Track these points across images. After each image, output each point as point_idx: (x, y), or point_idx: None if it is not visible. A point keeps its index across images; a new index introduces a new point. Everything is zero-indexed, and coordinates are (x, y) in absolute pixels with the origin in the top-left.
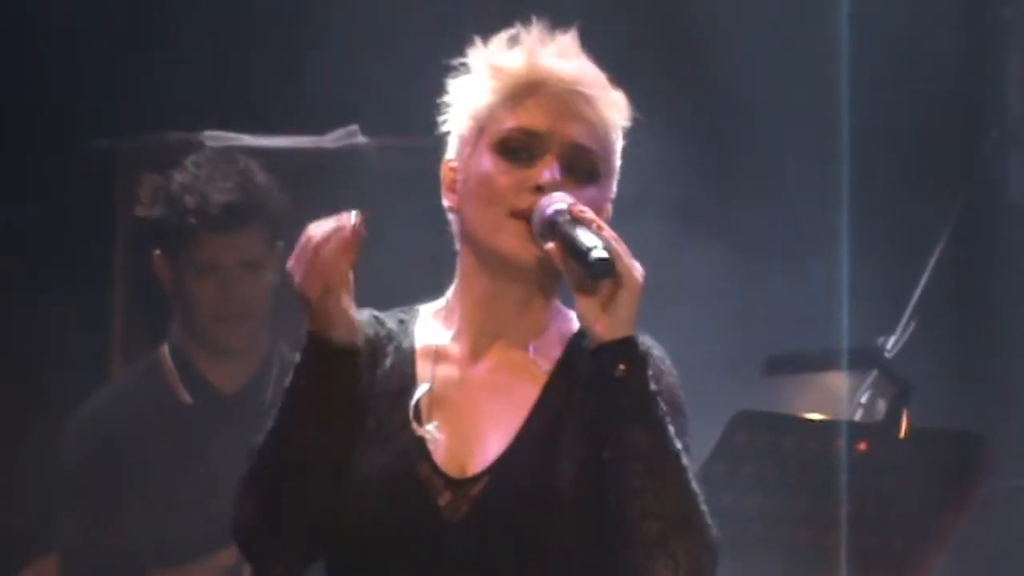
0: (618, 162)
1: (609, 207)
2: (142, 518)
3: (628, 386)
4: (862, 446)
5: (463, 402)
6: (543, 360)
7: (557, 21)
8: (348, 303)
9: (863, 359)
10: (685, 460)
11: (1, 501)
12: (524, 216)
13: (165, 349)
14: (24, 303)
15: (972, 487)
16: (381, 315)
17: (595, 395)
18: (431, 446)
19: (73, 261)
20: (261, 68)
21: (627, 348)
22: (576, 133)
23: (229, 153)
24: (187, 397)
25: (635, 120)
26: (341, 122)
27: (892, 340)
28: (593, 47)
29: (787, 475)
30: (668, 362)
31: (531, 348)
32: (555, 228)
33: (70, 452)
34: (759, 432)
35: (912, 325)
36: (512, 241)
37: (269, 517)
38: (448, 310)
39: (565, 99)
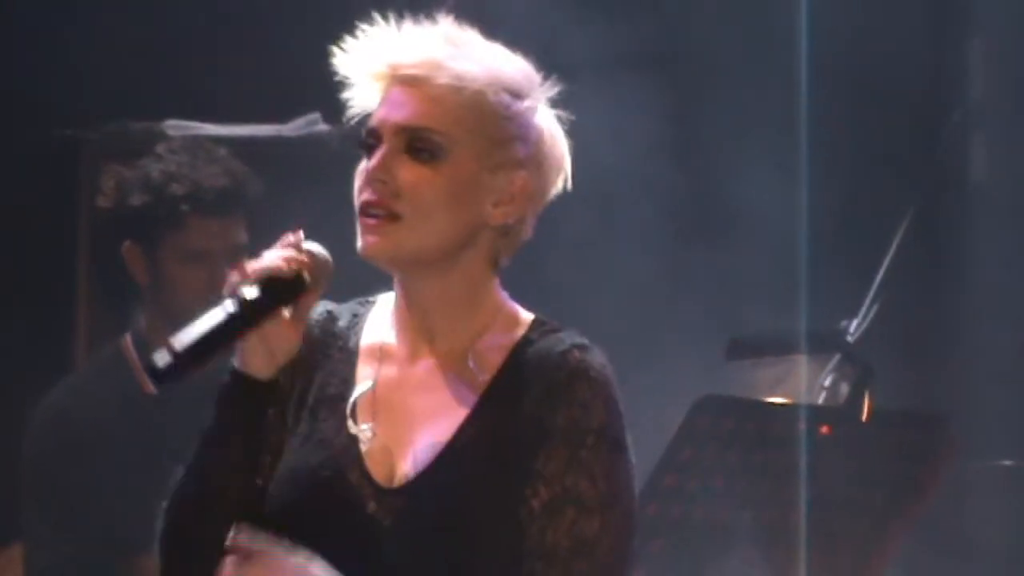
0: (495, 126)
1: (484, 175)
2: (107, 507)
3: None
4: (825, 429)
5: (399, 404)
6: (481, 369)
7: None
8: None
9: (825, 342)
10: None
11: None
12: (364, 211)
13: (128, 339)
14: None
15: (935, 468)
16: (336, 309)
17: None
18: (363, 447)
19: (35, 252)
20: (222, 56)
21: None
22: (403, 116)
23: (200, 141)
24: (151, 386)
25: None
26: (302, 110)
27: (854, 323)
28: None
29: (751, 458)
30: (597, 377)
31: (470, 360)
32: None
33: (34, 443)
34: (722, 416)
35: (874, 308)
36: (362, 240)
37: (180, 545)
38: (395, 304)
39: (402, 88)
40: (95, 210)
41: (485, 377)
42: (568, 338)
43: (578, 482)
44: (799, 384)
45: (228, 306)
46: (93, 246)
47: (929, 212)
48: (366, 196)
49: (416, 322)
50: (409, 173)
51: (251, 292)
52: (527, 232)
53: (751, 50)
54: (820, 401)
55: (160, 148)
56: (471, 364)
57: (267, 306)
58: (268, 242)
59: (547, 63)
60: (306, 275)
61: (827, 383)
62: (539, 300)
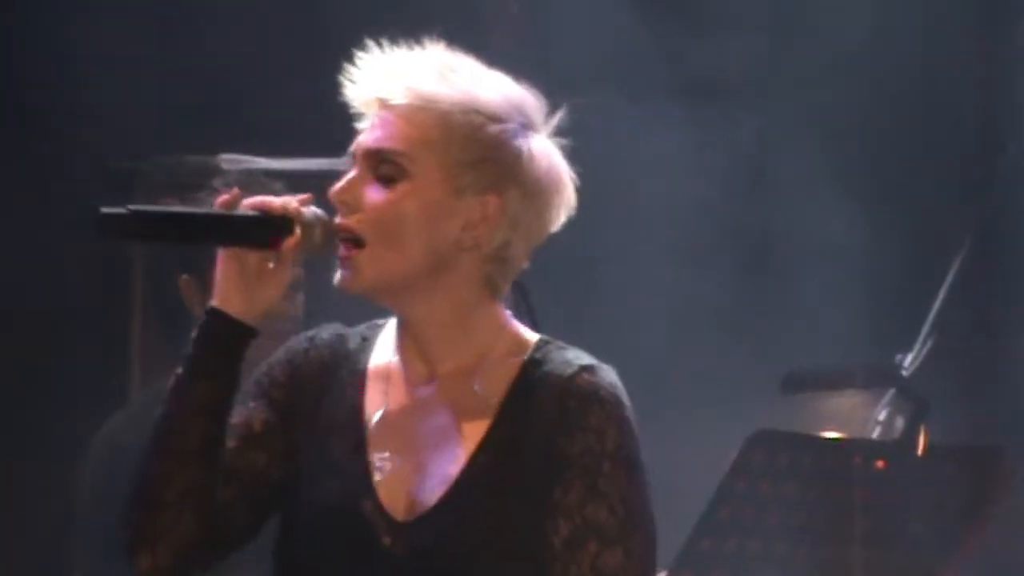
0: (462, 147)
1: (451, 198)
2: None
3: None
4: (880, 463)
5: (409, 430)
6: (490, 392)
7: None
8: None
9: (880, 377)
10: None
11: (21, 523)
12: (336, 235)
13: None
14: (43, 325)
15: (991, 502)
16: (346, 332)
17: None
18: (376, 478)
19: (89, 284)
20: (273, 88)
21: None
22: (371, 140)
23: (255, 175)
24: None
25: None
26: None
27: (909, 357)
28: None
29: (806, 493)
30: (608, 398)
31: (476, 384)
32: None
33: (90, 473)
34: (777, 450)
35: (929, 342)
36: (336, 272)
37: (142, 496)
38: (396, 327)
39: (378, 113)
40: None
41: (494, 401)
42: (575, 359)
43: (597, 513)
44: (854, 418)
45: (206, 208)
46: (147, 279)
47: (984, 245)
48: (336, 220)
49: (413, 345)
50: (372, 195)
51: (234, 209)
52: (519, 259)
53: (811, 82)
54: (875, 435)
55: (216, 182)
56: (477, 387)
57: (244, 228)
58: (327, 277)
59: (618, 89)
60: (296, 226)
61: (882, 417)
62: (596, 323)
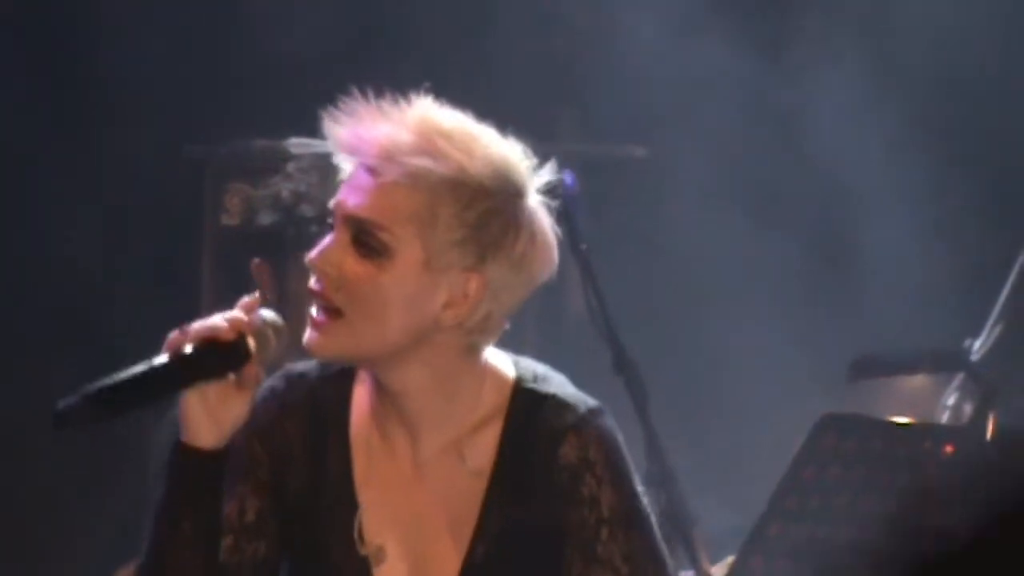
0: (448, 226)
1: (434, 276)
2: None
3: None
4: (949, 448)
5: (402, 513)
6: (478, 462)
7: None
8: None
9: (949, 362)
10: None
11: (94, 506)
12: (310, 301)
13: None
14: (114, 310)
15: None
16: (317, 388)
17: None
18: (375, 571)
19: (161, 269)
20: (341, 75)
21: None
22: (355, 205)
23: (326, 160)
24: None
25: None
26: None
27: (978, 342)
28: None
29: (874, 478)
30: (597, 459)
31: (462, 454)
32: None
33: (158, 457)
34: (845, 435)
35: (998, 327)
36: (307, 333)
37: None
38: (370, 387)
39: (363, 172)
40: (219, 228)
41: (484, 471)
42: (557, 417)
43: None
44: (923, 404)
45: (156, 359)
46: (216, 264)
47: None
48: (311, 285)
49: (394, 412)
50: (353, 268)
51: (185, 350)
52: (501, 323)
53: (887, 68)
54: (944, 420)
55: (290, 167)
56: (464, 460)
57: (201, 367)
58: None
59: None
60: (250, 341)
61: (951, 402)
62: (664, 309)
